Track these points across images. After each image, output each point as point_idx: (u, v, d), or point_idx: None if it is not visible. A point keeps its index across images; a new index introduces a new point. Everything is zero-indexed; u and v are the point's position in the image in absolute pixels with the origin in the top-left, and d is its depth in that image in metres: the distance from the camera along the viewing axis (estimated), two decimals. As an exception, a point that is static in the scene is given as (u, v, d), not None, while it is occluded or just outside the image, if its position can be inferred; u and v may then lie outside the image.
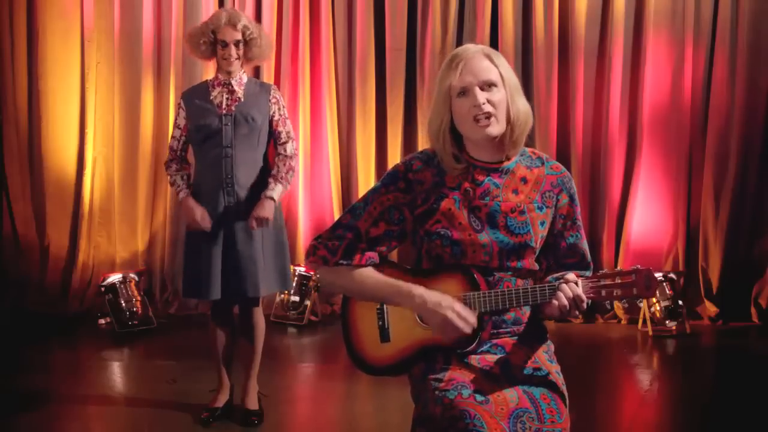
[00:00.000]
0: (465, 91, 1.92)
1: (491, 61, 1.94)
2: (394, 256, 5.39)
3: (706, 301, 5.44)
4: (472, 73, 1.92)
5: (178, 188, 3.50)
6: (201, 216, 3.36)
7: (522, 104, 1.96)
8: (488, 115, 1.91)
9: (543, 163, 2.04)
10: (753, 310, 5.36)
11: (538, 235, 1.97)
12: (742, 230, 5.46)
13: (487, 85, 1.92)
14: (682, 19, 5.42)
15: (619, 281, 1.85)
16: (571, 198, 2.03)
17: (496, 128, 1.92)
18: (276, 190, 3.40)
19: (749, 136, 5.42)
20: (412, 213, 2.01)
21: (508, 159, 2.00)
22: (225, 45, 3.40)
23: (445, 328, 1.88)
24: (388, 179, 2.03)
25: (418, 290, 1.93)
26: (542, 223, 1.99)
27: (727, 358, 4.79)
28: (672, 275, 5.19)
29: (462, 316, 1.87)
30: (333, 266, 2.01)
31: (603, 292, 1.86)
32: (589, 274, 2.05)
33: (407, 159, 2.06)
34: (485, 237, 1.94)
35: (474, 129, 1.93)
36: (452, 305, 1.87)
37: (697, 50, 5.42)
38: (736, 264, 5.44)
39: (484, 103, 1.90)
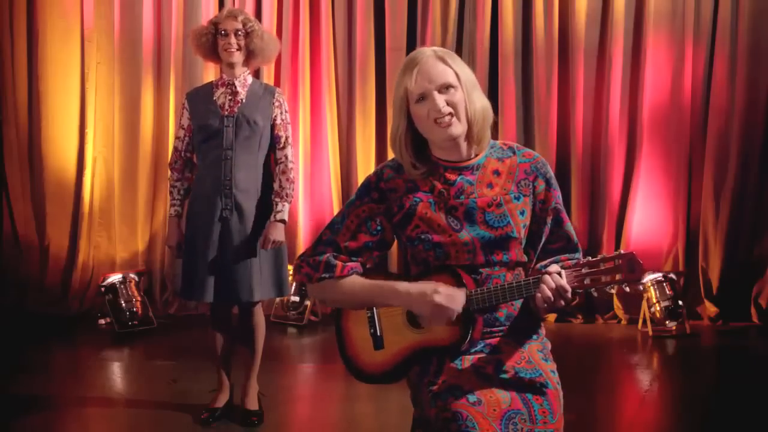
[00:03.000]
0: (423, 96, 1.92)
1: (445, 63, 1.94)
2: (394, 259, 5.42)
3: (706, 301, 5.43)
4: (428, 78, 1.92)
5: (171, 200, 3.50)
6: (174, 244, 3.49)
7: (479, 101, 1.95)
8: (450, 115, 1.91)
9: (514, 153, 2.03)
10: (753, 310, 5.36)
11: (520, 225, 1.97)
12: (742, 230, 5.46)
13: (445, 88, 1.92)
14: (682, 19, 5.42)
15: (603, 267, 1.84)
16: (548, 182, 2.02)
17: (458, 128, 1.93)
18: (285, 211, 3.43)
19: (749, 136, 5.42)
20: (390, 221, 2.02)
21: (477, 155, 2.01)
22: (225, 34, 3.38)
23: (436, 314, 1.88)
24: (361, 191, 2.04)
25: (402, 285, 1.94)
26: (522, 213, 1.98)
27: (727, 358, 4.79)
28: (672, 275, 5.18)
29: (450, 296, 1.87)
30: (317, 282, 2.02)
31: (587, 280, 1.85)
32: (578, 255, 2.04)
33: (378, 169, 2.07)
34: (466, 235, 1.94)
35: (436, 131, 1.93)
36: (436, 289, 1.88)
37: (697, 50, 5.42)
38: (736, 264, 5.44)
39: (443, 107, 1.90)
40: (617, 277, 1.82)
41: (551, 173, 2.04)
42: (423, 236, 1.96)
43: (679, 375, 4.46)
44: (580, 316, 5.45)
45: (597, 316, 5.48)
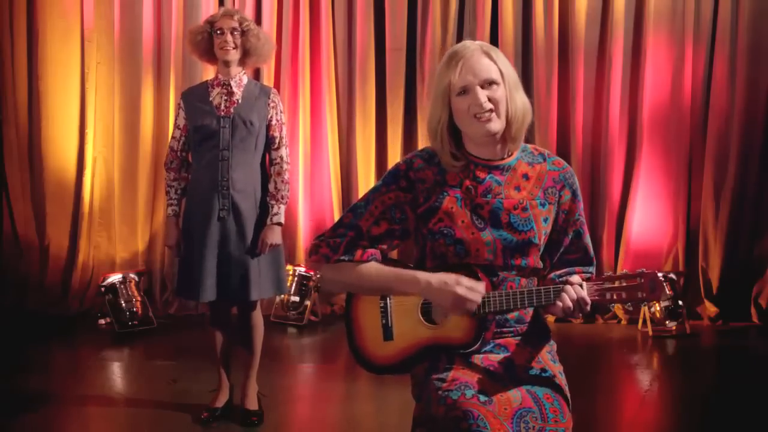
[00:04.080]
0: (465, 90, 1.91)
1: (490, 58, 1.93)
2: (394, 256, 5.42)
3: (706, 301, 5.43)
4: (473, 72, 1.91)
5: (169, 200, 3.51)
6: (173, 244, 3.50)
7: (520, 100, 1.95)
8: (490, 111, 1.90)
9: (545, 159, 2.03)
10: (753, 310, 5.36)
11: (542, 232, 1.97)
12: (742, 230, 5.46)
13: (488, 84, 1.91)
14: (682, 19, 5.43)
15: (625, 284, 1.85)
16: (574, 193, 2.02)
17: (497, 124, 1.92)
18: (281, 214, 3.43)
19: (749, 136, 5.42)
20: (414, 212, 2.00)
21: (509, 155, 2.00)
22: (221, 33, 3.38)
23: (457, 305, 1.87)
24: (389, 178, 2.02)
25: (422, 275, 1.93)
26: (545, 220, 1.98)
27: (727, 358, 4.79)
28: (672, 275, 5.19)
29: (471, 288, 1.87)
30: (334, 263, 2.01)
31: (608, 295, 1.86)
32: (592, 269, 2.05)
33: (408, 157, 2.05)
34: (488, 235, 1.94)
35: (474, 125, 1.92)
36: (458, 280, 1.87)
37: (697, 50, 5.42)
38: (736, 264, 5.44)
39: (485, 102, 1.90)
40: (639, 295, 1.85)
41: (578, 184, 2.05)
42: (445, 230, 1.95)
43: (679, 375, 4.46)
44: (580, 316, 5.45)
45: (597, 316, 5.48)
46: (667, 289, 5.07)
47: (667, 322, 5.06)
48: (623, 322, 5.40)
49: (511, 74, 1.95)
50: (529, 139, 2.05)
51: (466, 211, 1.96)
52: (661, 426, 3.72)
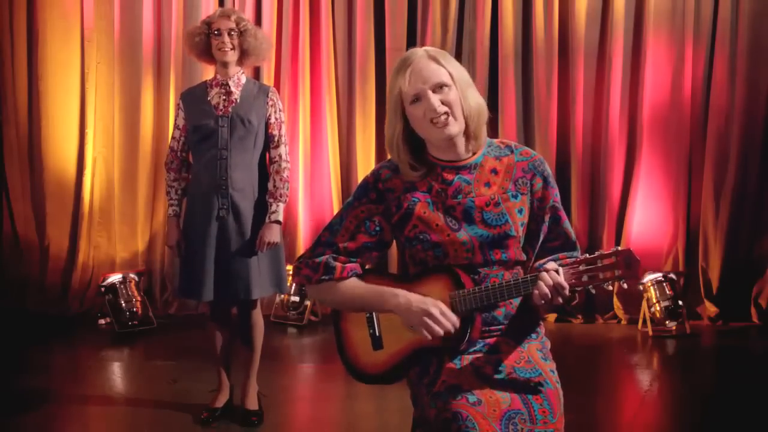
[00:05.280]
0: (418, 97, 1.92)
1: (438, 62, 1.94)
2: (393, 259, 5.42)
3: (706, 301, 5.43)
4: (422, 79, 1.92)
5: (169, 200, 3.52)
6: (173, 244, 3.49)
7: (473, 98, 1.95)
8: (446, 115, 1.91)
9: (512, 151, 2.03)
10: (753, 310, 5.36)
11: (518, 223, 1.97)
12: (742, 230, 5.45)
13: (439, 87, 1.92)
14: (682, 19, 5.43)
15: (600, 264, 1.83)
16: (545, 180, 2.02)
17: (455, 127, 1.93)
18: (279, 212, 3.42)
19: (749, 136, 5.42)
20: (388, 222, 2.02)
21: (474, 154, 2.01)
22: (219, 34, 3.38)
23: (429, 327, 1.87)
24: (359, 192, 2.05)
25: (402, 293, 1.94)
26: (520, 211, 1.98)
27: (727, 358, 4.79)
28: (672, 275, 5.18)
29: (445, 314, 1.87)
30: (316, 283, 2.03)
31: (585, 277, 1.84)
32: (577, 254, 2.04)
33: (375, 169, 2.07)
34: (464, 234, 1.94)
35: (433, 131, 1.93)
36: (435, 304, 1.88)
37: (697, 50, 5.42)
38: (736, 264, 5.43)
39: (439, 106, 1.90)
40: (615, 273, 1.82)
41: (549, 171, 2.04)
42: (421, 236, 1.96)
43: (679, 375, 4.46)
44: (580, 316, 5.45)
45: (597, 316, 5.48)
46: (667, 289, 5.07)
47: (667, 322, 5.06)
48: (623, 322, 5.40)
49: (462, 75, 1.96)
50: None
51: (438, 214, 1.97)
52: (661, 426, 3.72)
